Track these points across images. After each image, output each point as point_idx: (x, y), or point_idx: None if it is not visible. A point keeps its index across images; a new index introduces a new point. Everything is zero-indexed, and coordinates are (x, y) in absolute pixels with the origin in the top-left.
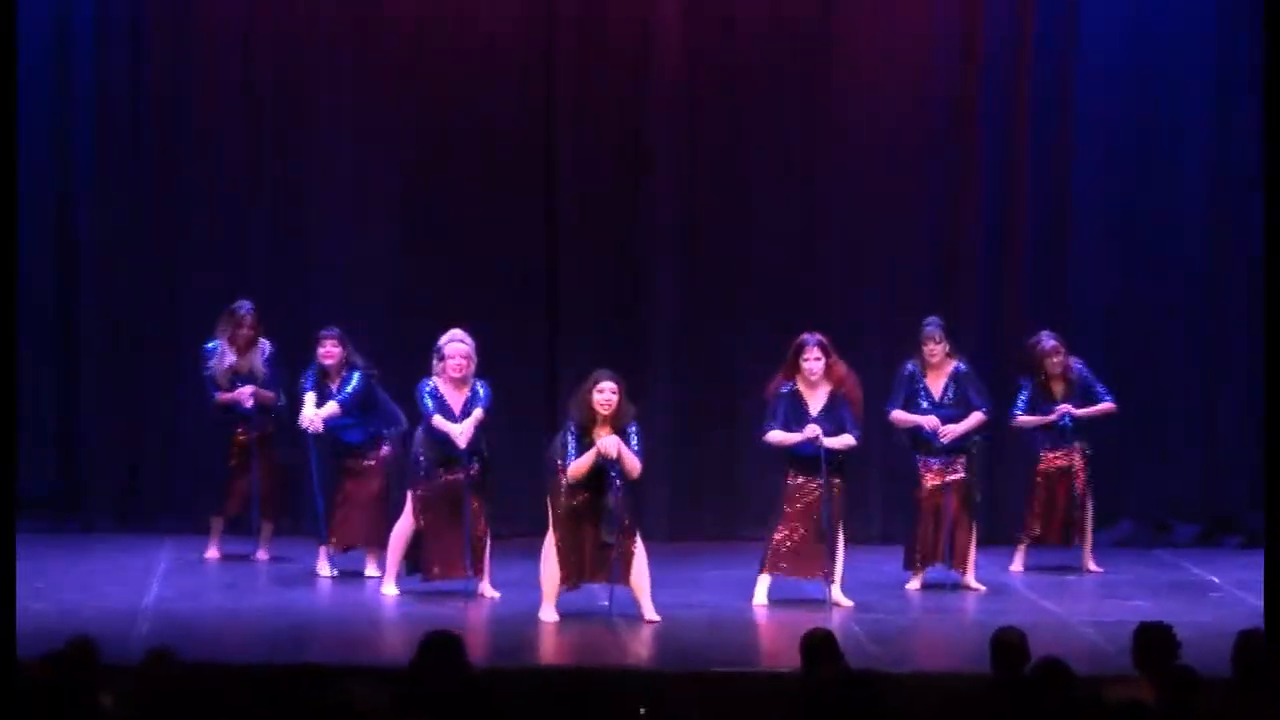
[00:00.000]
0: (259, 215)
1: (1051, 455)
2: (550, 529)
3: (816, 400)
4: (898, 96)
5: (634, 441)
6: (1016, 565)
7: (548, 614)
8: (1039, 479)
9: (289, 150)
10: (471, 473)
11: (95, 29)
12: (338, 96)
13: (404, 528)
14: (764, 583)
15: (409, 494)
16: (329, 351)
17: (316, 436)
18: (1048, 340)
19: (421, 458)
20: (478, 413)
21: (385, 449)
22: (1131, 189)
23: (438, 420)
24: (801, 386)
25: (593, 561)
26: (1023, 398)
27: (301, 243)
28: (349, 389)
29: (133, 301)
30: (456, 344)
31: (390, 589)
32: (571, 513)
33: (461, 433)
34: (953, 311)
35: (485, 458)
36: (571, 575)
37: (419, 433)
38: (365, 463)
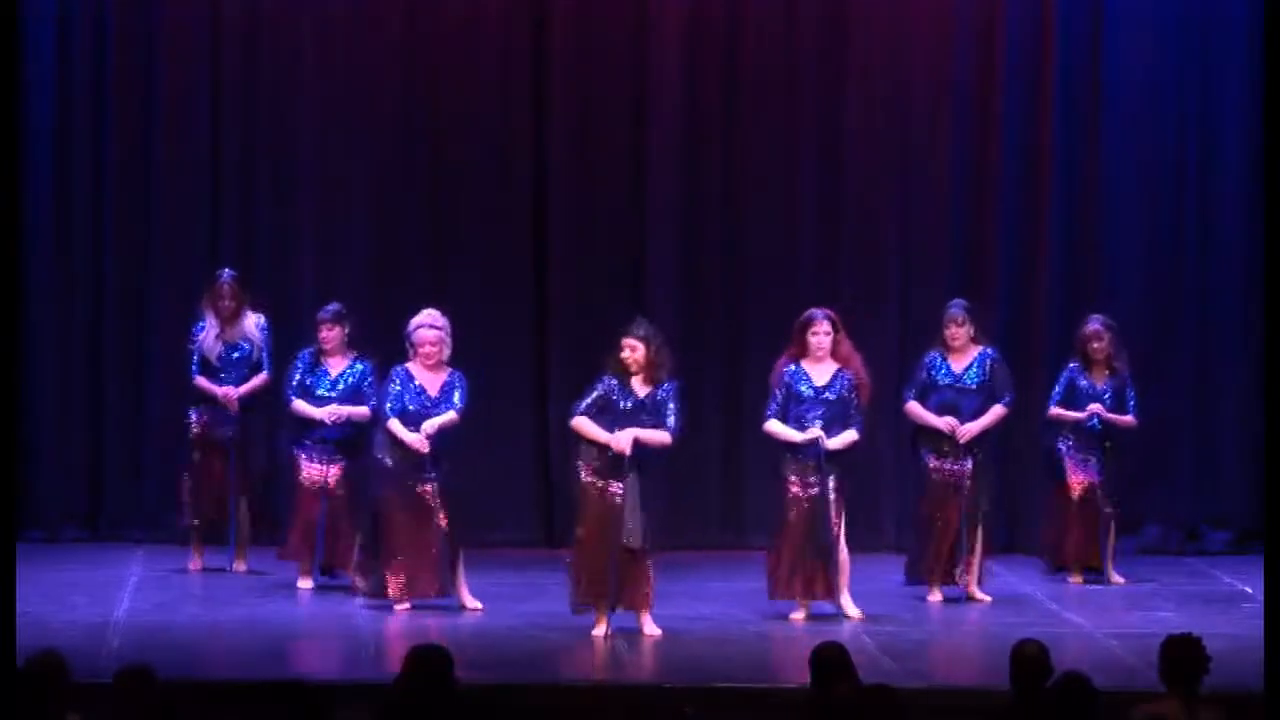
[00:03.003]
0: (230, 217)
1: (1075, 468)
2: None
3: (820, 376)
4: (915, 80)
5: (669, 407)
6: (1077, 578)
7: (597, 628)
8: (1072, 505)
9: (269, 141)
10: (433, 477)
11: (58, 25)
12: (319, 79)
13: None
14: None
15: (375, 499)
16: (326, 336)
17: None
18: (1094, 323)
19: (387, 460)
20: (448, 416)
21: (344, 464)
22: (1164, 171)
23: (393, 425)
24: (806, 365)
25: (622, 580)
26: (1059, 389)
27: (279, 235)
28: (380, 394)
29: (93, 295)
30: (425, 330)
31: (403, 605)
32: (601, 511)
33: (423, 441)
34: (974, 301)
35: (442, 462)
36: (593, 595)
37: (378, 435)
38: (326, 473)
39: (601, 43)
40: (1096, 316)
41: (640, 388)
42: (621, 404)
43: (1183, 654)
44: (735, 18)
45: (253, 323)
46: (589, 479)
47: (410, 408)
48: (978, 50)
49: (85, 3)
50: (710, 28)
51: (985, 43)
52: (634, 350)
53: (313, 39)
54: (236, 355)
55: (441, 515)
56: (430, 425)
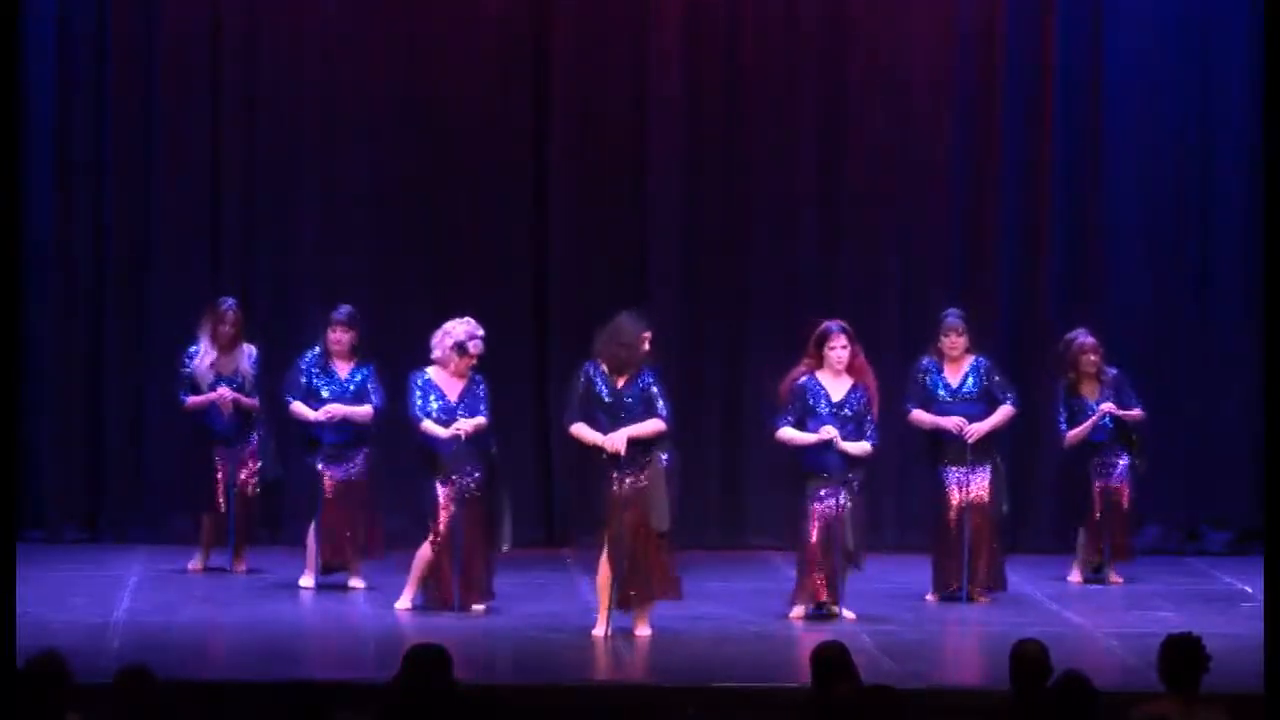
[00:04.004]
0: (230, 217)
1: (1101, 472)
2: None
3: (837, 391)
4: (915, 80)
5: (658, 398)
6: (1075, 576)
7: (598, 628)
8: (1097, 505)
9: (269, 141)
10: (471, 480)
11: (58, 26)
12: (319, 79)
13: (425, 551)
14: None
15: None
16: (339, 338)
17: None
18: (1085, 337)
19: (438, 485)
20: (478, 420)
21: (363, 456)
22: (1164, 171)
23: (427, 425)
24: (823, 378)
25: (643, 577)
26: (1062, 412)
27: (280, 235)
28: (378, 395)
29: (93, 295)
30: (480, 343)
31: (403, 603)
32: (619, 503)
33: (456, 429)
34: (974, 311)
35: (493, 456)
36: (622, 588)
37: (423, 459)
38: (348, 471)
39: (602, 42)
40: (1081, 330)
41: (619, 378)
42: (604, 395)
43: (1183, 654)
44: (735, 18)
45: (245, 355)
46: (615, 484)
47: (435, 414)
48: (978, 50)
49: (85, 3)
50: (710, 28)
51: (985, 43)
52: (651, 344)
53: (312, 39)
54: (225, 385)
55: (470, 514)
56: (466, 424)
